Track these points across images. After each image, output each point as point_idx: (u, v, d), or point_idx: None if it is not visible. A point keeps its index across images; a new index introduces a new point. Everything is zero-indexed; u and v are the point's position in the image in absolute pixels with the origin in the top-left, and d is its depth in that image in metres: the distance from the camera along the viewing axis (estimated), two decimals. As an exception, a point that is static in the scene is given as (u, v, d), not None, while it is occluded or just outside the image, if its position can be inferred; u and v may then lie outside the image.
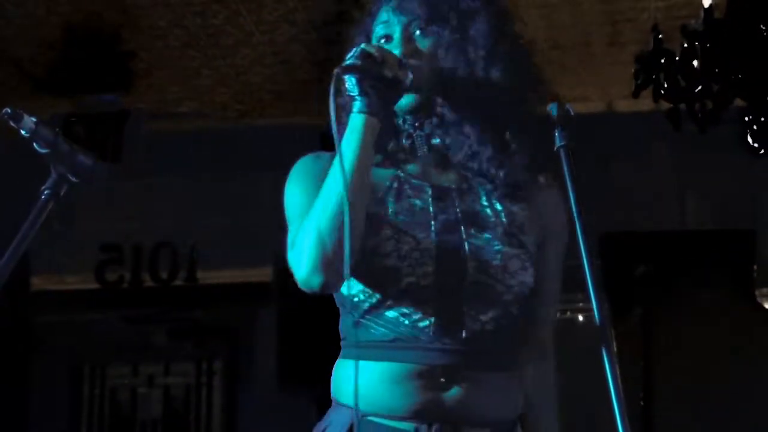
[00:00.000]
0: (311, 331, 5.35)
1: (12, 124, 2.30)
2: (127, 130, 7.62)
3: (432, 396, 2.36)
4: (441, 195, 2.49)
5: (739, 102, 5.81)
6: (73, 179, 2.39)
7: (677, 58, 5.64)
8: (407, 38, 2.53)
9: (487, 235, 2.44)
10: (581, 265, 2.27)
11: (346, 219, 2.25)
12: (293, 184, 2.53)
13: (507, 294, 2.43)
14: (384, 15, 2.58)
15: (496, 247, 2.43)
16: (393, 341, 2.39)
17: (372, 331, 2.42)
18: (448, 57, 2.51)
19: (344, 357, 2.50)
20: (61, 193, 2.38)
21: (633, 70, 5.80)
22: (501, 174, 2.49)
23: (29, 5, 6.65)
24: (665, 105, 5.87)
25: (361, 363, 2.37)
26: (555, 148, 2.38)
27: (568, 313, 8.88)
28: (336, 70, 2.33)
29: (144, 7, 6.68)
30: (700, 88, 5.59)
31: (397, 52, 2.48)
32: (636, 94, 5.83)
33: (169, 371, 9.06)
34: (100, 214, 8.41)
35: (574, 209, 2.31)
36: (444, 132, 2.53)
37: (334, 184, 2.33)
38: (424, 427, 2.36)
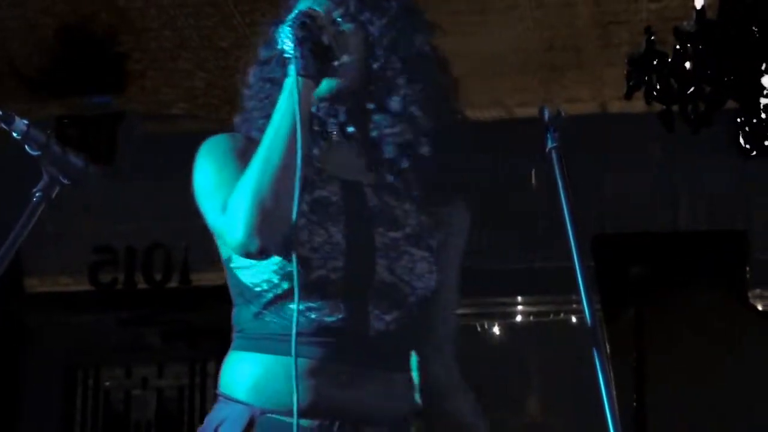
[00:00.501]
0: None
1: (3, 126, 2.30)
2: (121, 132, 7.64)
3: (333, 393, 2.31)
4: (352, 190, 2.44)
5: (731, 103, 5.82)
6: (65, 181, 2.38)
7: (669, 60, 5.65)
8: (331, 21, 2.43)
9: (395, 235, 2.41)
10: (573, 267, 2.27)
11: (298, 177, 2.20)
12: (206, 159, 2.44)
13: (412, 296, 2.40)
14: (302, 3, 2.47)
15: (404, 248, 2.41)
16: (296, 335, 2.25)
17: (274, 323, 2.35)
18: (373, 50, 2.44)
19: (238, 349, 2.41)
20: (53, 195, 2.37)
21: (625, 72, 5.81)
22: (415, 176, 2.45)
23: (22, 6, 6.66)
24: (658, 106, 5.88)
25: (260, 356, 2.34)
26: (546, 150, 2.37)
27: (562, 314, 8.91)
28: (283, 24, 2.29)
29: (137, 9, 6.69)
30: (692, 89, 5.60)
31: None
32: (628, 96, 5.84)
33: (163, 373, 9.07)
34: (94, 216, 8.39)
35: (565, 211, 2.31)
36: (359, 124, 2.46)
37: (275, 143, 2.25)
38: (324, 424, 2.31)
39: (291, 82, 2.27)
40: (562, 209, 2.34)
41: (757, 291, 8.03)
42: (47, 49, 7.05)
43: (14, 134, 2.33)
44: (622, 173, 7.98)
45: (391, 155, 2.44)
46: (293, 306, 2.24)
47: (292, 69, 2.28)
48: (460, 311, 8.42)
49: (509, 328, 9.24)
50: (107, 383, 9.17)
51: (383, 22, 2.45)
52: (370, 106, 2.44)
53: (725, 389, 6.82)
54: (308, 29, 2.28)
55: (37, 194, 2.36)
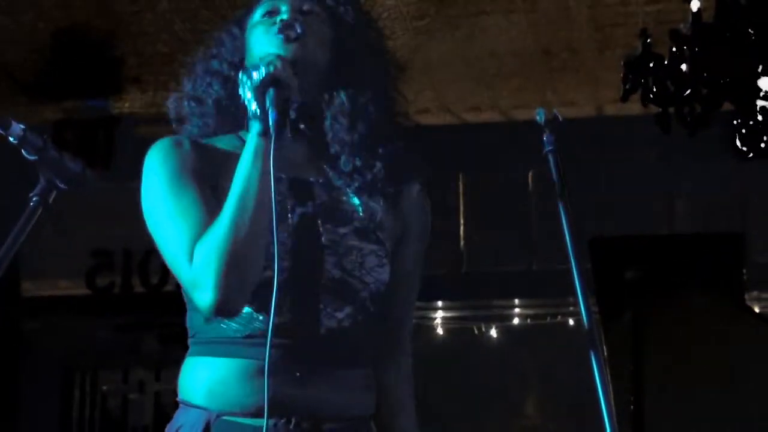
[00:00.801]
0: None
1: (0, 130, 2.29)
2: (118, 136, 7.63)
3: (287, 392, 2.28)
4: (300, 188, 2.41)
5: (727, 105, 5.82)
6: (62, 186, 2.37)
7: (666, 62, 5.64)
8: (296, 13, 2.46)
9: (343, 230, 2.39)
10: (570, 270, 2.27)
11: (275, 241, 2.20)
12: (157, 179, 2.41)
13: (363, 291, 2.38)
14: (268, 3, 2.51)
15: (352, 242, 2.38)
16: (247, 337, 2.30)
17: (224, 326, 2.32)
18: (331, 50, 2.47)
19: (192, 355, 2.41)
20: (50, 200, 2.36)
21: (621, 75, 5.80)
22: (365, 170, 2.44)
23: (18, 11, 6.64)
24: (654, 109, 5.87)
25: (213, 360, 2.33)
26: (543, 153, 2.38)
27: (559, 317, 8.92)
28: (245, 75, 2.28)
29: (134, 14, 6.67)
30: (688, 91, 5.59)
31: (285, 19, 2.44)
32: (625, 99, 5.82)
33: (160, 377, 9.10)
34: (91, 220, 8.39)
35: (562, 213, 2.31)
36: (310, 119, 2.46)
37: (244, 209, 2.23)
38: (281, 423, 2.29)
39: (256, 143, 2.26)
40: (559, 212, 2.34)
41: (755, 293, 8.04)
42: (43, 53, 7.03)
43: (11, 139, 2.31)
44: (619, 176, 7.99)
45: (338, 152, 2.44)
46: (245, 308, 2.28)
47: (255, 127, 2.27)
48: (457, 313, 8.40)
49: (506, 330, 9.24)
50: (104, 387, 9.22)
51: (349, 29, 2.49)
52: (327, 104, 2.44)
53: (723, 392, 6.81)
54: (276, 96, 2.26)
55: (34, 199, 2.35)
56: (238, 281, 2.22)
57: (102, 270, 8.67)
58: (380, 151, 2.44)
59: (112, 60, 7.12)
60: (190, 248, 2.26)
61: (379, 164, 2.43)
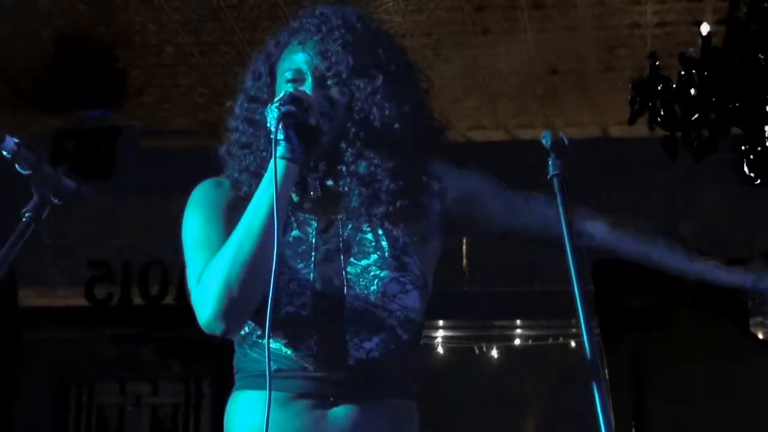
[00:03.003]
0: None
1: (-6, 145, 2.25)
2: (119, 147, 7.58)
3: (320, 423, 2.38)
4: (326, 226, 2.51)
5: (735, 130, 5.76)
6: (56, 201, 2.36)
7: (674, 86, 5.59)
8: (321, 83, 2.50)
9: (365, 261, 2.45)
10: (572, 292, 2.22)
11: (273, 276, 2.24)
12: (194, 212, 2.53)
13: (390, 319, 2.41)
14: (295, 55, 2.55)
15: (374, 272, 2.43)
16: (277, 371, 2.37)
17: (260, 362, 2.40)
18: (360, 109, 2.49)
19: (236, 389, 2.52)
20: (43, 216, 2.35)
21: (629, 97, 5.75)
22: (383, 202, 2.47)
23: (20, 20, 6.60)
24: (660, 131, 5.82)
25: (250, 393, 2.45)
26: (548, 177, 2.35)
27: (561, 338, 8.86)
28: (274, 113, 2.34)
29: (138, 24, 6.62)
30: (696, 116, 5.54)
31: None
32: (631, 121, 5.77)
33: (158, 390, 9.00)
34: (90, 231, 8.36)
35: (566, 238, 2.27)
36: (338, 175, 2.50)
37: (251, 231, 2.34)
38: None
39: (273, 166, 2.32)
40: (563, 236, 2.28)
41: (758, 319, 7.97)
42: (45, 63, 6.99)
43: (5, 153, 2.30)
44: (623, 199, 7.91)
45: (358, 204, 2.48)
46: (272, 344, 2.36)
47: (277, 151, 2.34)
48: (457, 334, 8.30)
49: (508, 351, 9.18)
50: (101, 399, 9.09)
51: (369, 90, 2.49)
52: (341, 168, 2.48)
53: (725, 418, 6.76)
54: (294, 116, 2.34)
55: (26, 214, 2.33)
56: (236, 302, 2.33)
57: (100, 281, 8.59)
58: (398, 180, 2.48)
59: (116, 71, 7.07)
60: (201, 271, 2.39)
61: (394, 188, 2.47)
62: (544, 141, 2.38)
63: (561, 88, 7.38)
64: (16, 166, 2.31)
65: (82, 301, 8.62)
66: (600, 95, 7.50)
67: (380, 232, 2.47)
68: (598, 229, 2.66)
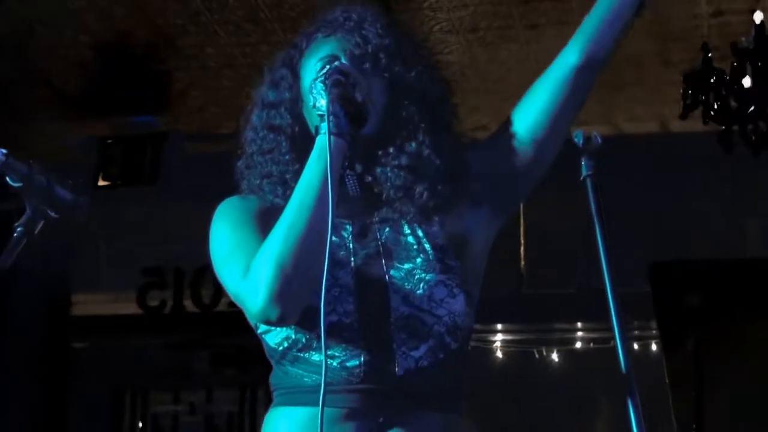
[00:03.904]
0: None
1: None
2: (167, 152, 7.54)
3: None
4: (362, 231, 2.41)
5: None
6: (52, 214, 2.27)
7: (728, 77, 5.36)
8: (358, 65, 2.42)
9: (409, 265, 2.34)
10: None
11: (327, 248, 2.14)
12: (223, 223, 2.43)
13: (437, 325, 2.31)
14: (325, 45, 2.48)
15: (419, 276, 2.33)
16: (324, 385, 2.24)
17: (302, 377, 2.31)
18: (396, 97, 2.44)
19: (274, 406, 2.40)
20: (36, 231, 2.26)
21: (681, 90, 5.53)
22: (416, 199, 2.40)
23: (60, 26, 6.53)
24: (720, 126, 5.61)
25: (292, 409, 2.31)
26: (581, 178, 2.29)
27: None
28: (319, 87, 2.28)
29: (178, 26, 6.53)
30: (752, 109, 5.31)
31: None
32: (684, 116, 5.57)
33: (212, 398, 9.04)
34: (142, 237, 8.34)
35: (600, 242, 2.23)
36: (374, 171, 2.43)
37: (302, 207, 2.24)
38: None
39: (323, 141, 2.25)
40: (596, 241, 2.24)
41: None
42: (87, 68, 6.93)
43: (-8, 164, 2.20)
44: (685, 196, 7.69)
45: (402, 191, 2.40)
46: (316, 357, 2.27)
47: (324, 126, 2.25)
48: (516, 338, 8.12)
49: (569, 354, 9.00)
50: (155, 408, 9.15)
51: (406, 70, 2.45)
52: (390, 150, 2.41)
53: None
54: (342, 86, 2.27)
55: (18, 229, 2.25)
56: (291, 282, 2.19)
57: (153, 289, 8.58)
58: (431, 176, 2.42)
59: (158, 74, 6.99)
60: (246, 266, 2.25)
61: (426, 190, 2.40)
62: (576, 140, 2.31)
63: (616, 82, 7.16)
64: (7, 178, 2.22)
65: (135, 310, 8.60)
66: (658, 88, 7.28)
67: (420, 233, 2.39)
68: (569, 53, 2.52)
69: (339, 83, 2.26)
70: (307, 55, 2.50)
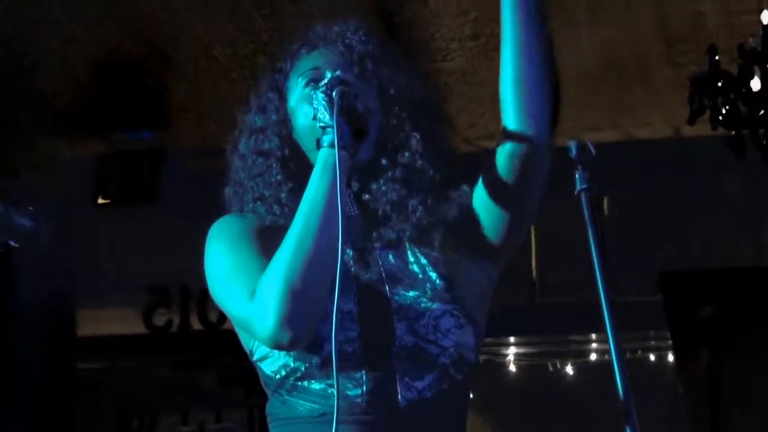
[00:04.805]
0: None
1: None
2: (168, 169, 7.45)
3: None
4: (363, 255, 2.36)
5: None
6: (12, 243, 2.23)
7: (736, 80, 5.21)
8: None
9: (414, 293, 2.30)
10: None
11: (339, 265, 2.10)
12: (221, 240, 2.38)
13: (443, 356, 2.27)
14: (311, 60, 2.46)
15: (425, 305, 2.28)
16: (322, 415, 2.23)
17: (300, 407, 2.27)
18: (388, 107, 2.42)
19: None
20: None
21: (687, 94, 5.39)
22: (418, 213, 2.36)
23: (55, 41, 6.41)
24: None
25: None
26: (576, 192, 2.23)
27: (639, 352, 8.61)
28: (320, 97, 2.24)
29: (169, 37, 6.41)
30: (762, 112, 5.16)
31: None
32: (691, 121, 5.43)
33: (221, 418, 8.96)
34: (146, 256, 8.24)
35: (595, 256, 2.21)
36: (370, 187, 2.39)
37: (309, 224, 2.19)
38: None
39: (326, 155, 2.22)
40: (591, 254, 2.24)
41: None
42: (79, 82, 6.82)
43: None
44: (698, 203, 7.53)
45: (391, 213, 2.37)
46: (315, 385, 2.24)
47: (327, 139, 2.23)
48: (529, 350, 8.00)
49: (583, 367, 8.88)
50: (163, 429, 9.09)
51: (393, 75, 2.45)
52: (383, 161, 2.38)
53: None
54: (347, 97, 2.23)
55: None
56: (302, 303, 2.14)
57: (159, 308, 8.52)
58: (428, 197, 2.38)
59: (152, 89, 6.87)
60: (251, 288, 2.20)
61: (420, 204, 2.37)
62: (570, 151, 2.27)
63: (625, 86, 7.03)
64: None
65: (141, 329, 8.54)
66: (669, 92, 7.12)
67: (423, 261, 2.35)
68: (503, 146, 2.39)
69: (344, 94, 2.22)
70: (293, 74, 2.48)
